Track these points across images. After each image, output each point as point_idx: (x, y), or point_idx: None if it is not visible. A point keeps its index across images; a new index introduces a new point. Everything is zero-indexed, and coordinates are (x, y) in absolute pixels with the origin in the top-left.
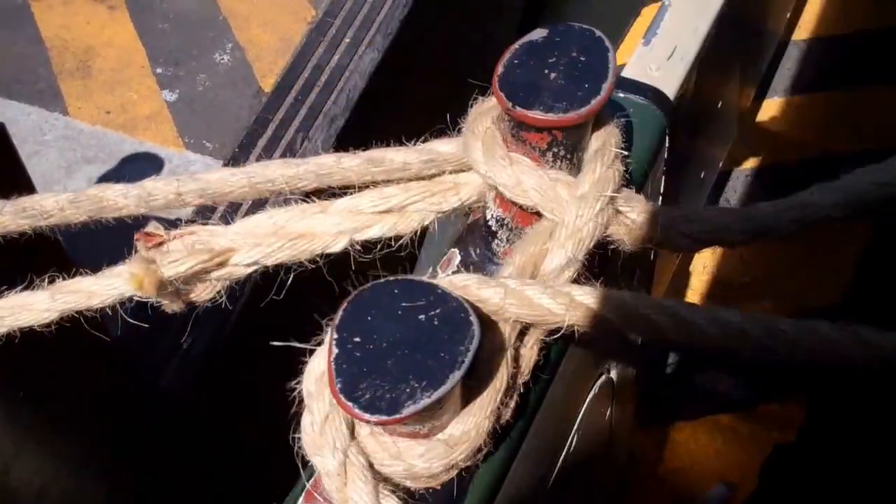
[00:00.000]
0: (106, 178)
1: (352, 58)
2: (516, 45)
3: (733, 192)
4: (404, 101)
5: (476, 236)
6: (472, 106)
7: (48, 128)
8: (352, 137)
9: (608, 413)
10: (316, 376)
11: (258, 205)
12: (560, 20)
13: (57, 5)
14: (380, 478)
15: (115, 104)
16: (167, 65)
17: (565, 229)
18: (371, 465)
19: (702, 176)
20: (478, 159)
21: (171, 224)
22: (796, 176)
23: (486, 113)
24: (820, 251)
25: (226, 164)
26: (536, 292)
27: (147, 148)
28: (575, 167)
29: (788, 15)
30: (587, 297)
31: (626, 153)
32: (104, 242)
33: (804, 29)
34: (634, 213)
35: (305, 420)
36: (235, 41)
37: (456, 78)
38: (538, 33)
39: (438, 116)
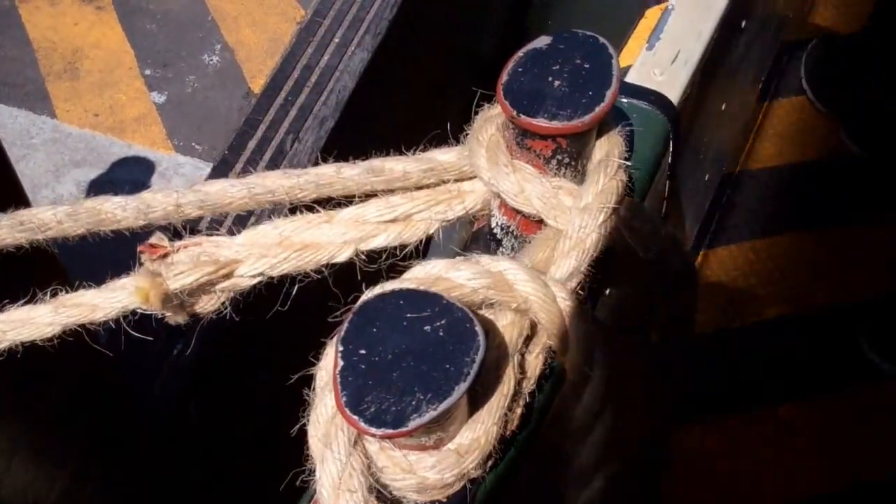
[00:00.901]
0: (95, 181)
1: (341, 58)
2: (520, 53)
3: (737, 195)
4: (394, 101)
5: (481, 244)
6: (476, 113)
7: (36, 131)
8: (342, 138)
9: (616, 416)
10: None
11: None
12: (547, 21)
13: (44, 7)
14: None
15: (103, 106)
16: (155, 66)
17: (569, 240)
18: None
19: (706, 179)
20: (481, 166)
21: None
22: (802, 178)
23: (490, 120)
24: (828, 250)
25: (216, 167)
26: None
27: (136, 151)
28: (579, 174)
29: (791, 15)
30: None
31: (629, 163)
32: (90, 253)
33: (807, 30)
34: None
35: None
36: (224, 42)
37: (445, 77)
38: (542, 41)
39: (429, 116)
